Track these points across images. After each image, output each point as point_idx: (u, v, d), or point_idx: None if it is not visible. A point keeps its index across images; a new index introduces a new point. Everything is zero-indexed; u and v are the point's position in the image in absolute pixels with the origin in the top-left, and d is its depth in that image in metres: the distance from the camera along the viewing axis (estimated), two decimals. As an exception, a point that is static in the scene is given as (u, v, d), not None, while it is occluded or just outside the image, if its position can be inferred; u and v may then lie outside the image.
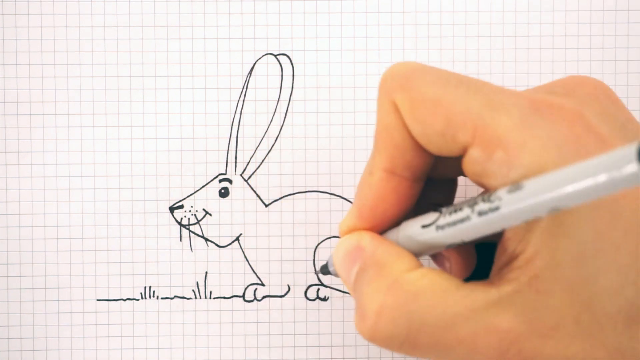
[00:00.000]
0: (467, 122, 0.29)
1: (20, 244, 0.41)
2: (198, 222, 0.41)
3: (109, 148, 0.41)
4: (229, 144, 0.41)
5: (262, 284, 0.41)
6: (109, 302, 0.41)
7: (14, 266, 0.41)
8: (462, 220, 0.30)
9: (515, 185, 0.28)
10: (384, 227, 0.34)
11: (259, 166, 0.42)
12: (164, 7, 0.41)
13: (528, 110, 0.29)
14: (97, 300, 0.41)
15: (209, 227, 0.41)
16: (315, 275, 0.41)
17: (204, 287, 0.41)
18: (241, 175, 0.42)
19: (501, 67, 0.41)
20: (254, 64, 0.41)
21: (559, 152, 0.28)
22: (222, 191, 0.41)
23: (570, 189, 0.26)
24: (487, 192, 0.30)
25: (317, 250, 0.41)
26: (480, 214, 0.29)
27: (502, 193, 0.28)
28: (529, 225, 0.29)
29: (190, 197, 0.41)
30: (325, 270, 0.38)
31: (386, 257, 0.32)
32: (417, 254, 0.33)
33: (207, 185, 0.41)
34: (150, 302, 0.41)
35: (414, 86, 0.31)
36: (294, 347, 0.41)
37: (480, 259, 0.35)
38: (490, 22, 0.41)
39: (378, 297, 0.31)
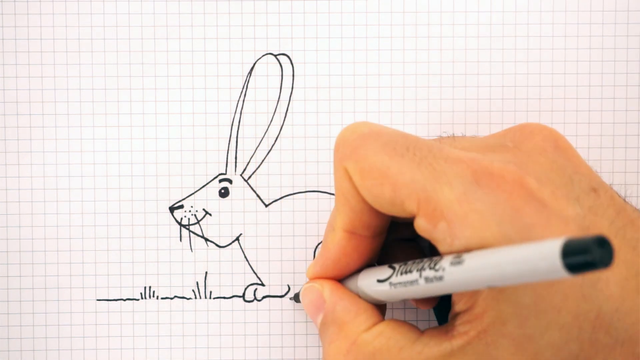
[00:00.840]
0: (412, 194, 0.31)
1: (20, 244, 0.41)
2: (198, 222, 0.41)
3: (109, 148, 0.41)
4: (229, 144, 0.41)
5: (262, 284, 0.41)
6: (109, 302, 0.41)
7: (14, 266, 0.41)
8: (411, 283, 0.32)
9: (458, 259, 0.29)
10: (347, 275, 0.36)
11: (259, 166, 0.42)
12: (164, 7, 0.41)
13: (470, 181, 0.31)
14: (97, 300, 0.41)
15: (209, 227, 0.41)
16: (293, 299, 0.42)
17: (204, 287, 0.41)
18: (241, 175, 0.42)
19: (501, 68, 0.41)
20: (254, 64, 0.41)
21: (499, 227, 0.30)
22: (222, 191, 0.41)
23: (502, 272, 0.27)
24: (433, 258, 0.31)
25: (317, 250, 0.41)
26: (427, 280, 0.31)
27: (445, 264, 0.30)
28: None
29: (190, 197, 0.41)
30: (298, 299, 0.41)
31: (345, 315, 0.34)
32: (374, 302, 0.35)
33: (207, 185, 0.41)
34: (150, 302, 0.41)
35: (362, 156, 0.32)
36: (294, 347, 0.41)
37: None
38: (490, 22, 0.41)
39: (339, 359, 0.34)
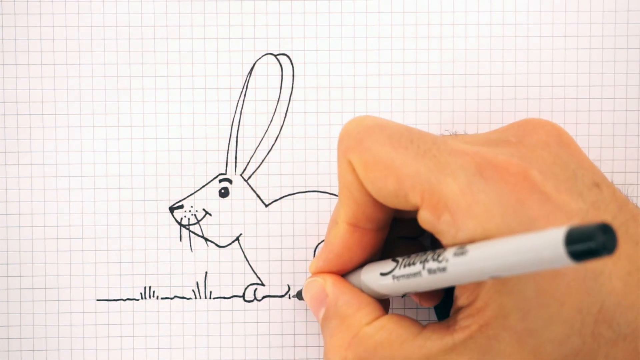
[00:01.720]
0: (416, 186, 0.31)
1: (20, 244, 0.41)
2: (198, 222, 0.41)
3: (109, 148, 0.41)
4: (229, 144, 0.41)
5: (262, 284, 0.41)
6: (109, 302, 0.41)
7: (14, 266, 0.41)
8: (414, 275, 0.32)
9: (461, 250, 0.29)
10: (350, 269, 0.36)
11: (259, 166, 0.42)
12: (164, 7, 0.41)
13: (474, 173, 0.31)
14: (97, 300, 0.41)
15: (209, 227, 0.41)
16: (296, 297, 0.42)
17: (204, 287, 0.41)
18: (241, 175, 0.41)
19: (501, 68, 0.41)
20: (254, 64, 0.41)
21: (503, 218, 0.30)
22: (222, 191, 0.41)
23: (505, 262, 0.27)
24: (437, 250, 0.31)
25: (317, 250, 0.41)
26: (430, 271, 0.31)
27: (449, 255, 0.30)
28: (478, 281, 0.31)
29: (190, 197, 0.41)
30: (301, 296, 0.40)
31: (347, 309, 0.34)
32: (377, 297, 0.35)
33: (207, 185, 0.41)
34: (150, 302, 0.41)
35: (366, 148, 0.33)
36: (294, 347, 0.41)
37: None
38: (490, 22, 0.41)
39: (340, 352, 0.34)
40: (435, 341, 0.32)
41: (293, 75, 0.41)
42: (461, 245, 0.30)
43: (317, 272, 0.36)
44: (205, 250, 0.41)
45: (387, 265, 0.34)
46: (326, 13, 0.41)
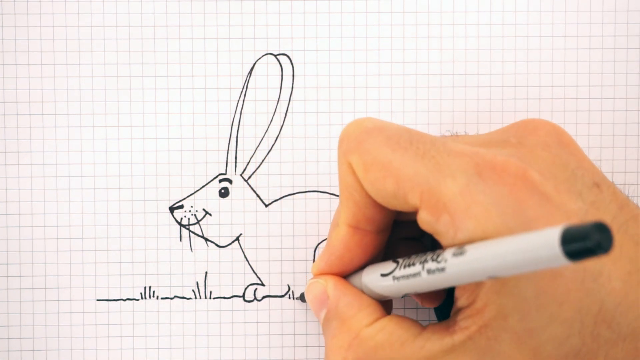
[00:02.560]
0: (415, 187, 0.31)
1: (20, 244, 0.41)
2: (198, 222, 0.41)
3: (109, 148, 0.41)
4: (229, 144, 0.41)
5: (262, 284, 0.41)
6: (109, 302, 0.41)
7: (14, 266, 0.41)
8: (414, 275, 0.32)
9: (460, 250, 0.30)
10: (352, 271, 0.36)
11: (259, 166, 0.42)
12: (164, 7, 0.41)
13: (473, 174, 0.31)
14: (97, 300, 0.41)
15: (209, 227, 0.41)
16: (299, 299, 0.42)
17: (204, 287, 0.41)
18: (241, 175, 0.41)
19: (501, 68, 0.41)
20: (254, 64, 0.41)
21: (501, 219, 0.30)
22: (222, 191, 0.41)
23: (503, 262, 0.28)
24: (436, 251, 0.31)
25: (317, 250, 0.41)
26: (429, 272, 0.31)
27: (448, 255, 0.30)
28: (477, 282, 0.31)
29: (190, 197, 0.41)
30: (303, 298, 0.41)
31: (348, 310, 0.35)
32: (379, 298, 0.35)
33: (207, 185, 0.41)
34: (150, 302, 0.41)
35: (366, 149, 0.33)
36: (294, 347, 0.41)
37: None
38: (490, 22, 0.41)
39: (341, 353, 0.34)
40: (435, 342, 0.32)
41: (293, 75, 0.41)
42: (460, 246, 0.30)
43: (319, 274, 0.37)
44: (205, 250, 0.41)
45: (388, 266, 0.34)
46: (326, 13, 0.41)
